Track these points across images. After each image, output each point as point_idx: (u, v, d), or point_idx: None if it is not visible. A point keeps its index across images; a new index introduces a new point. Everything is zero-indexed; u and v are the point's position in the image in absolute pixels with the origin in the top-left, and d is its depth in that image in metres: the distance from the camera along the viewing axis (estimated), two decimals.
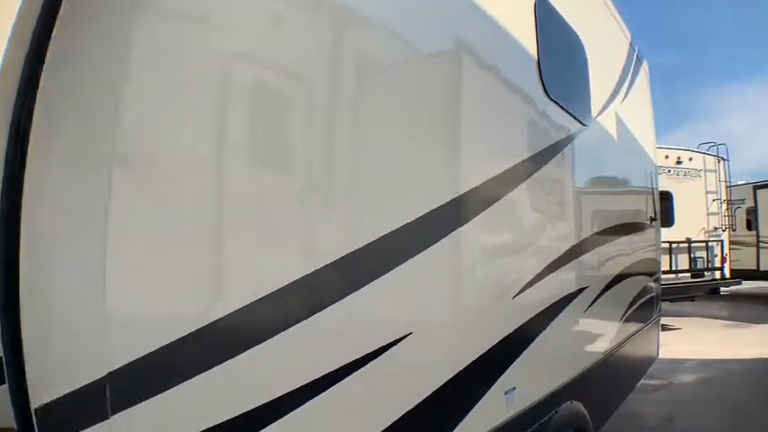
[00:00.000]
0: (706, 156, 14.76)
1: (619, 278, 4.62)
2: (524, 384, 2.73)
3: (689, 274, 13.91)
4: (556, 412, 3.00)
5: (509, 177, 2.67)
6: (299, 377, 1.51)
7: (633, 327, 5.16)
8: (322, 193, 1.66)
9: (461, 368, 2.22)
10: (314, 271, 1.56)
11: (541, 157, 3.05)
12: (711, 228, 14.36)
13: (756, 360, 9.44)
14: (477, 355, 2.34)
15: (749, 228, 18.94)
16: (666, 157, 13.80)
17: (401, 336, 1.87)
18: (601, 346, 4.06)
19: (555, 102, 3.25)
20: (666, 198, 13.31)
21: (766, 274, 18.03)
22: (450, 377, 2.14)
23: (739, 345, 10.92)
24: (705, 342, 11.44)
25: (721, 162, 14.95)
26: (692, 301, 14.52)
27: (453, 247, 2.20)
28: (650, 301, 6.06)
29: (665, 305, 13.82)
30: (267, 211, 1.47)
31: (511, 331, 2.63)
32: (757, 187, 18.94)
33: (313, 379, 1.54)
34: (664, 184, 12.63)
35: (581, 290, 3.58)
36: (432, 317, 2.09)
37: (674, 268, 13.42)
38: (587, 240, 3.76)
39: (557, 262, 3.16)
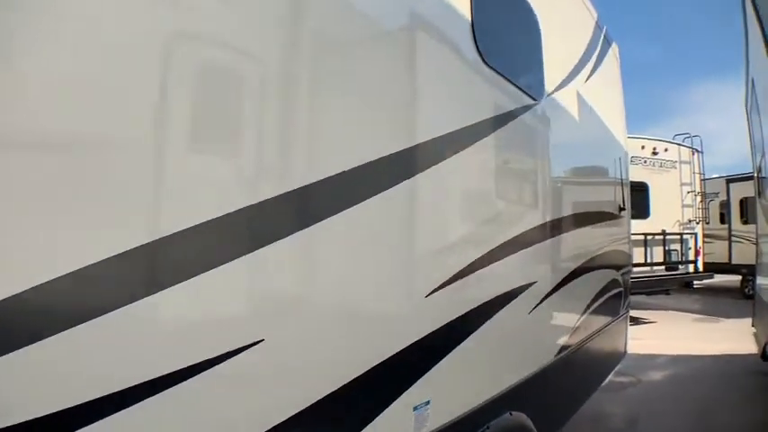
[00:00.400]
0: (681, 147, 14.48)
1: (579, 272, 4.23)
2: (443, 397, 2.31)
3: (663, 267, 13.65)
4: (487, 427, 2.57)
5: (425, 151, 2.24)
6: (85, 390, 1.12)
7: (596, 324, 4.77)
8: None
9: (344, 382, 1.79)
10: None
11: (472, 131, 2.61)
12: (686, 220, 14.09)
13: (726, 356, 9.30)
14: (369, 366, 1.91)
15: (722, 221, 18.83)
16: (642, 147, 13.57)
17: (245, 344, 1.43)
18: (552, 348, 3.65)
19: (495, 70, 2.83)
20: (642, 189, 13.09)
21: (738, 267, 17.84)
22: (324, 395, 1.71)
23: (711, 339, 10.81)
24: (678, 336, 11.32)
25: (696, 154, 14.69)
26: (668, 294, 14.24)
27: (329, 234, 1.75)
28: (617, 296, 5.68)
29: (640, 298, 13.77)
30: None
31: (423, 336, 2.20)
32: (730, 180, 18.85)
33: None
34: (639, 174, 12.74)
35: (527, 285, 3.17)
36: (290, 320, 1.64)
37: (648, 261, 13.23)
38: (537, 230, 3.35)
39: (492, 254, 2.74)
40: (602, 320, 5.03)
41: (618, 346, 5.90)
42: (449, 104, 2.49)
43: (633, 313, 13.19)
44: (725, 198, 18.91)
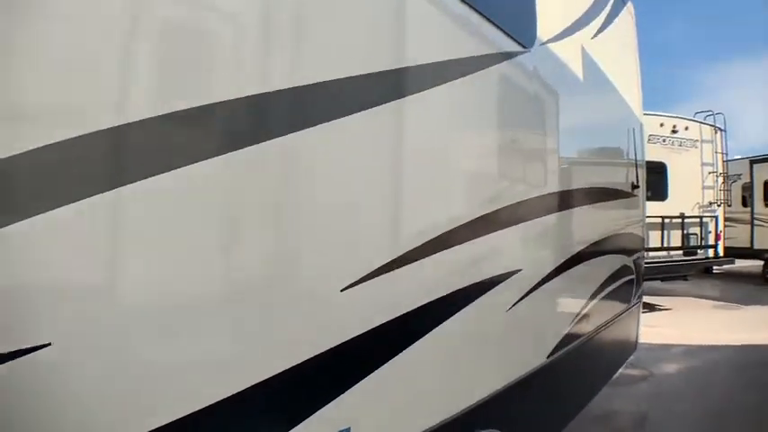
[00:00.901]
0: (702, 125, 13.64)
1: (580, 258, 3.62)
2: (373, 421, 1.73)
3: (681, 252, 12.96)
4: None
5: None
6: None
7: (601, 317, 4.16)
8: None
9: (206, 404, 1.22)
10: None
11: (430, 74, 2.01)
12: (706, 203, 13.32)
13: (745, 347, 8.72)
14: (244, 385, 1.32)
15: (744, 204, 17.97)
16: (661, 125, 12.81)
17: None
18: (543, 349, 3.06)
19: (471, 7, 2.22)
20: (660, 170, 12.46)
21: (760, 252, 17.14)
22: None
23: (730, 328, 10.21)
24: (695, 325, 10.72)
25: (718, 133, 13.83)
26: (685, 280, 13.62)
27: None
28: (628, 284, 5.06)
29: (656, 284, 13.10)
30: None
31: (337, 343, 1.61)
32: (754, 161, 18.00)
33: None
34: (657, 154, 12.11)
35: (507, 275, 2.57)
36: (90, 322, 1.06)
37: (665, 245, 12.56)
38: (521, 207, 2.73)
39: (453, 235, 2.13)
40: (609, 312, 4.42)
41: (628, 339, 5.29)
42: (402, 41, 1.89)
43: (649, 299, 12.84)
44: (748, 180, 17.99)
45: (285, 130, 1.45)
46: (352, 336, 1.64)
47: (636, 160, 5.17)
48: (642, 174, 5.54)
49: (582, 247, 3.67)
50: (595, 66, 3.99)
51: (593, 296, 3.95)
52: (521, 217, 2.71)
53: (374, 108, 1.76)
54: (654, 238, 12.21)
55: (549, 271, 3.05)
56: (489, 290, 2.41)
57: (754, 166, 17.86)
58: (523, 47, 2.70)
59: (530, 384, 2.79)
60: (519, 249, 2.76)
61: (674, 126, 13.00)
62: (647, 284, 12.47)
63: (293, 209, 1.52)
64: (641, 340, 8.46)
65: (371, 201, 1.82)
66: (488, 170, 2.54)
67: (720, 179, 13.61)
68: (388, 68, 1.85)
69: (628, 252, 5.05)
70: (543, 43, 2.96)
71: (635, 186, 5.10)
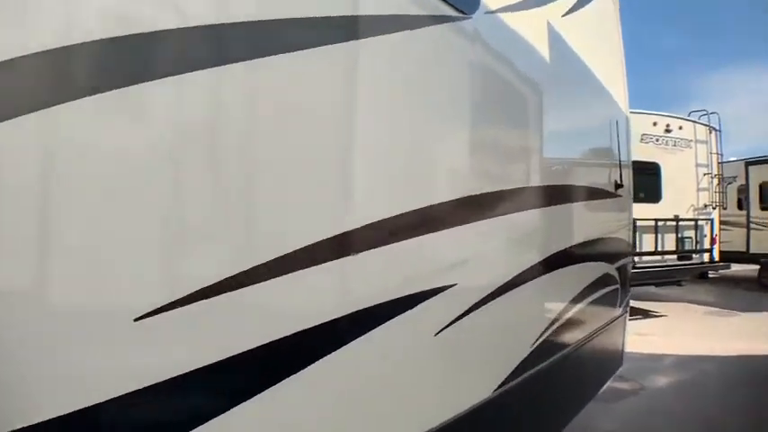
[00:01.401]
0: (697, 125, 13.15)
1: (541, 268, 3.09)
2: None
3: (676, 256, 12.52)
4: None
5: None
6: None
7: (573, 335, 3.63)
8: None
9: None
10: None
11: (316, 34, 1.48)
12: (701, 205, 12.81)
13: (741, 358, 8.27)
14: None
15: (740, 207, 17.49)
16: (654, 124, 12.37)
17: None
18: (488, 381, 2.50)
19: None
20: (653, 170, 12.16)
21: (756, 257, 16.69)
22: None
23: (726, 337, 9.76)
24: (689, 333, 10.29)
25: (713, 133, 13.33)
26: (680, 285, 13.06)
27: None
28: (610, 295, 4.52)
29: (649, 289, 12.59)
30: None
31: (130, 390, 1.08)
32: (749, 163, 17.58)
33: None
34: (651, 154, 11.89)
35: (433, 291, 2.02)
36: None
37: (659, 249, 12.13)
38: (457, 206, 2.20)
39: (340, 244, 1.59)
40: (585, 328, 3.89)
41: (611, 355, 4.75)
42: None
43: (642, 305, 12.52)
44: (743, 182, 17.58)
45: None
46: (156, 380, 1.11)
47: (619, 157, 4.64)
48: (628, 172, 5.01)
49: (546, 256, 3.13)
50: (566, 47, 3.47)
51: (562, 312, 3.41)
52: (454, 219, 2.17)
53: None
54: (647, 242, 11.89)
55: (497, 285, 2.50)
56: (407, 310, 1.87)
57: (750, 168, 17.45)
58: (462, 12, 2.17)
59: (468, 425, 2.24)
60: (452, 259, 2.22)
61: (668, 125, 12.52)
62: (639, 290, 12.17)
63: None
64: (632, 350, 7.93)
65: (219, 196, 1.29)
66: (412, 161, 2.00)
67: (715, 181, 13.09)
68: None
69: (610, 258, 4.52)
70: (490, 11, 2.42)
71: (618, 186, 4.57)
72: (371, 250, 1.70)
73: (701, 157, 12.94)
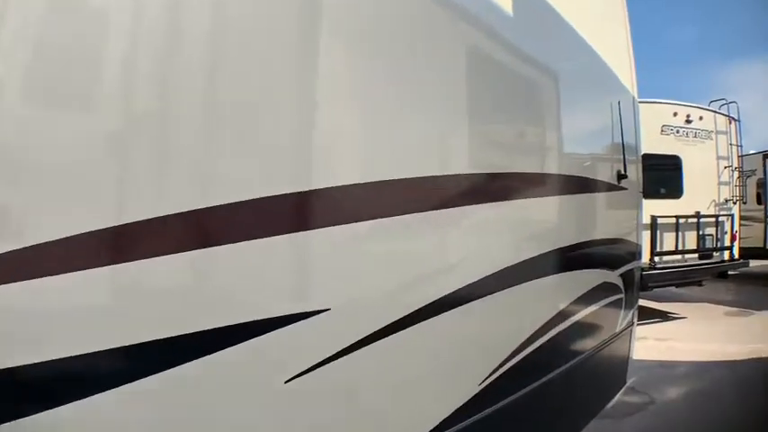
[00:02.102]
0: (717, 115, 12.14)
1: (516, 275, 2.43)
2: None
3: (696, 255, 11.59)
4: None
5: None
6: None
7: (559, 358, 2.88)
8: None
9: None
10: None
11: None
12: (722, 200, 11.85)
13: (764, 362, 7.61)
14: None
15: (759, 202, 16.54)
16: (675, 114, 11.41)
17: None
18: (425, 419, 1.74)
19: None
20: (675, 164, 11.33)
21: None
22: None
23: (747, 339, 8.94)
24: (710, 336, 9.41)
25: (733, 123, 12.32)
26: (700, 285, 12.13)
27: None
28: (612, 306, 3.75)
29: (668, 290, 11.70)
30: None
31: None
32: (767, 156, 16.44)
33: None
34: (672, 146, 11.16)
35: (281, 320, 1.29)
36: None
37: (680, 247, 11.23)
38: (392, 195, 1.67)
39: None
40: (572, 350, 3.13)
41: (609, 377, 3.96)
42: None
43: (661, 306, 11.95)
44: (762, 176, 16.53)
45: None
46: None
47: (623, 142, 3.82)
48: (636, 161, 4.22)
49: (513, 264, 2.38)
50: (545, 4, 2.68)
51: (548, 326, 2.67)
52: (399, 206, 1.54)
53: None
54: (668, 241, 11.05)
55: (442, 298, 1.75)
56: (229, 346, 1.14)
57: None
58: None
59: None
60: (332, 272, 1.47)
61: (688, 116, 11.56)
62: (659, 291, 11.31)
63: None
64: (648, 357, 7.57)
65: None
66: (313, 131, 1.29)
67: (736, 174, 12.14)
68: None
69: (610, 264, 3.73)
70: None
71: (621, 176, 3.77)
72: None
73: (722, 149, 11.98)
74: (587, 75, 3.55)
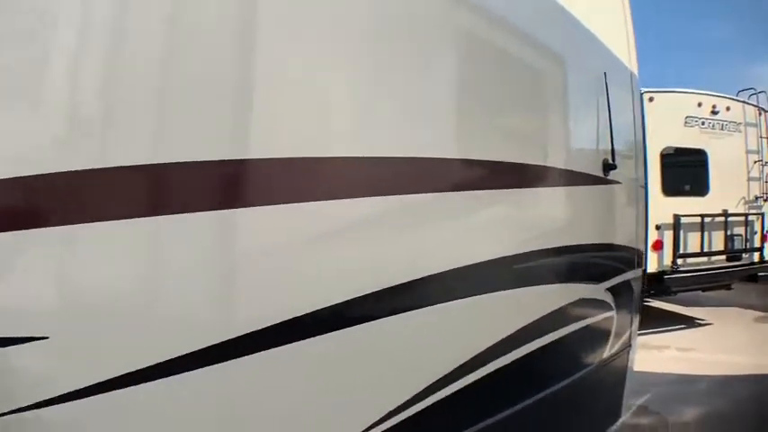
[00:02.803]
0: (746, 105, 11.12)
1: (437, 293, 1.71)
2: None
3: (724, 257, 10.58)
4: None
5: None
6: None
7: (502, 401, 2.09)
8: None
9: None
10: None
11: None
12: (752, 197, 10.84)
13: None
14: None
15: None
16: (699, 104, 10.42)
17: None
18: None
19: None
20: (700, 159, 10.46)
21: None
22: None
23: None
24: (736, 346, 8.50)
25: (763, 114, 11.27)
26: (728, 289, 11.21)
27: None
28: (596, 330, 2.97)
29: (694, 295, 10.81)
30: None
31: None
32: None
33: None
34: (696, 139, 10.35)
35: None
36: None
37: (706, 249, 10.24)
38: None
39: None
40: (534, 384, 2.36)
41: (593, 418, 3.14)
42: None
43: (686, 311, 11.11)
44: None
45: None
46: None
47: (611, 124, 3.01)
48: (634, 149, 3.43)
49: (447, 275, 1.68)
50: None
51: (458, 373, 1.91)
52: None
53: None
54: (693, 242, 10.14)
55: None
56: None
57: None
58: None
59: None
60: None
61: (714, 106, 10.56)
62: (683, 295, 10.43)
63: None
64: (669, 370, 6.84)
65: None
66: None
67: (767, 169, 11.11)
68: None
69: (593, 276, 2.94)
70: None
71: (609, 167, 2.96)
72: None
73: (751, 143, 10.97)
74: (572, 48, 2.78)
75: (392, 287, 1.68)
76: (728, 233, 10.56)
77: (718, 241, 10.47)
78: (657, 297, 11.12)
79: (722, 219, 10.42)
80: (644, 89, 9.72)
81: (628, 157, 3.38)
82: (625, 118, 3.39)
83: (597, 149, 2.93)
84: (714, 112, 10.56)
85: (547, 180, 2.43)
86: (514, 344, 2.23)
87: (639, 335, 8.67)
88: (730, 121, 10.79)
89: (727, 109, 10.75)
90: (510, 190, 2.26)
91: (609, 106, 3.01)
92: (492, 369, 2.10)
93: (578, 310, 2.70)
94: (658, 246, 9.86)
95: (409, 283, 1.73)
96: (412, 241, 1.80)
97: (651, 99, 9.68)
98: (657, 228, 9.80)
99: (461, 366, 1.95)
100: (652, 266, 9.62)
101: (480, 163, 2.11)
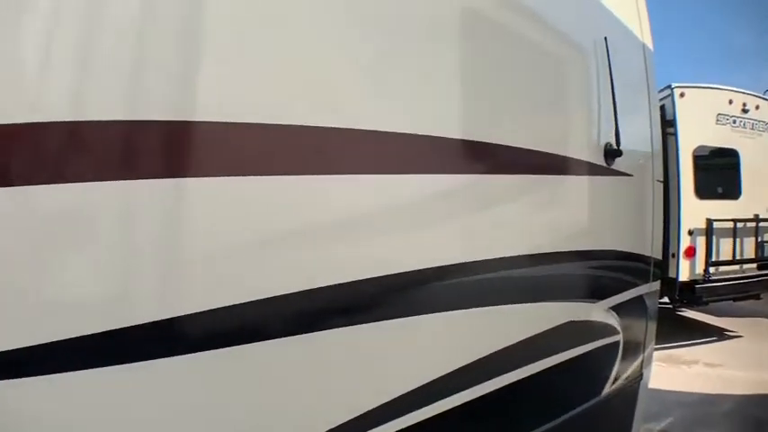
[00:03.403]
0: None
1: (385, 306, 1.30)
2: None
3: (755, 265, 9.81)
4: None
5: None
6: None
7: None
8: None
9: None
10: None
11: None
12: None
13: None
14: None
15: None
16: (730, 102, 9.70)
17: None
18: None
19: None
20: (732, 160, 9.76)
21: None
22: None
23: None
24: (764, 362, 7.82)
25: None
26: (758, 299, 10.30)
27: None
28: (592, 358, 2.32)
29: (723, 305, 10.04)
30: None
31: None
32: None
33: None
34: (728, 139, 9.66)
35: None
36: None
37: (738, 257, 9.55)
38: None
39: None
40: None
41: None
42: None
43: (716, 322, 10.48)
44: None
45: None
46: None
47: (614, 101, 2.34)
48: (648, 135, 2.79)
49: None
50: None
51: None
52: None
53: None
54: (725, 248, 9.44)
55: None
56: None
57: None
58: None
59: None
60: None
61: (744, 104, 9.84)
62: (715, 305, 9.67)
63: None
64: (694, 389, 6.35)
65: None
66: None
67: None
68: None
69: (594, 293, 2.29)
70: None
71: (612, 153, 2.31)
72: None
73: None
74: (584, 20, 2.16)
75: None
76: (759, 239, 9.86)
77: (749, 248, 9.80)
78: (689, 307, 10.54)
79: (753, 224, 9.73)
80: (674, 84, 9.10)
81: (640, 145, 2.73)
82: (636, 99, 2.74)
83: (595, 130, 2.27)
84: (744, 111, 9.89)
85: (515, 165, 1.78)
86: (466, 382, 1.61)
87: (670, 347, 7.98)
88: (760, 121, 10.11)
89: (757, 108, 10.06)
90: (466, 177, 1.63)
91: (612, 80, 2.35)
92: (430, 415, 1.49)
93: (563, 337, 2.04)
94: (691, 252, 9.22)
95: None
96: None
97: (682, 95, 9.14)
98: (690, 233, 9.15)
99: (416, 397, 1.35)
100: (684, 275, 9.11)
101: (437, 141, 1.50)
